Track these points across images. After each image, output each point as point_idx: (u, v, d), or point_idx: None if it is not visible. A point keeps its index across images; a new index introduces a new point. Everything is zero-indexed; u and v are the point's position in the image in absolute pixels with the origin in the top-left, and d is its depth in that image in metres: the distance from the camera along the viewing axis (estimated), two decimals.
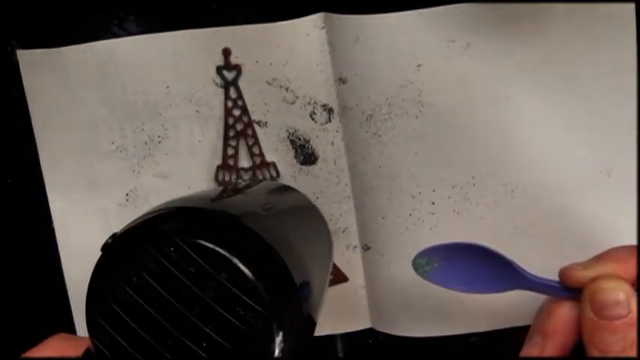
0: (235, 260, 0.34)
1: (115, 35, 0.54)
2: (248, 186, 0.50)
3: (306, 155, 0.55)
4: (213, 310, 0.34)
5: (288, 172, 0.55)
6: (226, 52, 0.54)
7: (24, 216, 0.58)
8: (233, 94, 0.55)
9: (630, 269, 0.46)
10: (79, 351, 0.36)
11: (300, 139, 0.55)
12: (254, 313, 0.34)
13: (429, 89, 0.52)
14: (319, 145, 0.55)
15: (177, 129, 0.55)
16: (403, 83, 0.52)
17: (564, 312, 0.47)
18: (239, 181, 0.56)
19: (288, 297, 0.36)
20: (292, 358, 0.35)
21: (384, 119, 0.53)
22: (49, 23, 0.54)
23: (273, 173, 0.55)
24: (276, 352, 0.34)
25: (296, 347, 0.36)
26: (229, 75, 0.54)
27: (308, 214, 0.48)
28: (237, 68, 0.54)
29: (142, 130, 0.55)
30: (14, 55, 0.54)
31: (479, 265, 0.49)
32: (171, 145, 0.56)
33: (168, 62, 0.54)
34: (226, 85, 0.54)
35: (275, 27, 0.53)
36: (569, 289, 0.47)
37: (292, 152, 0.55)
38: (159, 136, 0.56)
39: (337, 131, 0.54)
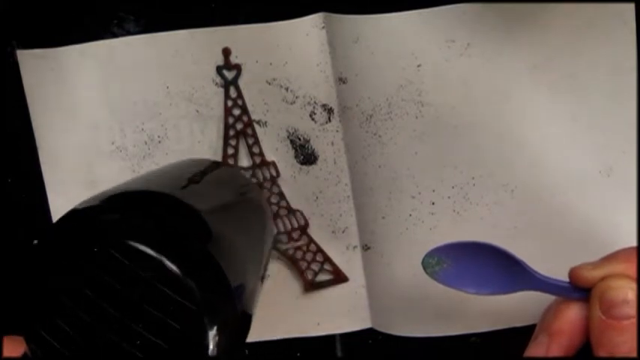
0: (163, 259, 0.34)
1: (115, 35, 0.54)
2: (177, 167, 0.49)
3: (306, 155, 0.55)
4: (145, 310, 0.33)
5: (288, 172, 0.55)
6: (226, 52, 0.54)
7: (24, 216, 0.58)
8: (233, 93, 0.55)
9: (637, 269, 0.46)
10: (19, 352, 0.36)
11: (300, 139, 0.55)
12: (185, 310, 0.33)
13: (429, 89, 0.52)
14: (319, 145, 0.55)
15: (177, 129, 0.55)
16: (403, 83, 0.52)
17: (572, 312, 0.47)
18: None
19: (220, 292, 0.35)
20: (229, 354, 0.35)
21: (384, 119, 0.53)
22: (49, 23, 0.54)
23: (273, 173, 0.55)
24: (211, 349, 0.34)
25: (232, 343, 0.35)
26: (229, 75, 0.54)
27: (241, 196, 0.47)
28: (237, 68, 0.54)
29: (142, 129, 0.56)
30: (14, 55, 0.54)
31: (489, 265, 0.48)
32: (171, 144, 0.56)
33: (168, 62, 0.54)
34: (226, 84, 0.54)
35: (275, 27, 0.53)
36: (578, 289, 0.47)
37: (292, 152, 0.55)
38: (159, 136, 0.56)
39: (337, 131, 0.54)
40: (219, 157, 0.56)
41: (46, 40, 0.54)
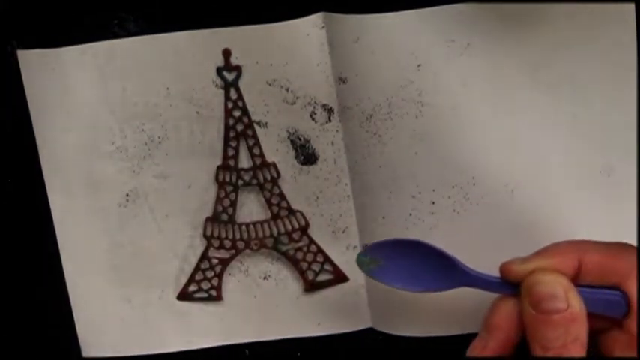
0: None
1: (115, 35, 0.54)
2: None
3: (306, 155, 0.55)
4: None
5: (289, 172, 0.55)
6: (226, 53, 0.54)
7: (24, 216, 0.58)
8: (233, 95, 0.55)
9: (570, 263, 0.46)
10: None
11: (300, 139, 0.55)
12: None
13: (429, 89, 0.52)
14: (319, 145, 0.55)
15: (178, 130, 0.55)
16: (403, 83, 0.52)
17: (508, 307, 0.47)
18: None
19: None
20: None
21: (384, 119, 0.53)
22: (49, 23, 0.54)
23: (274, 174, 0.55)
24: None
25: None
26: (229, 76, 0.54)
27: None
28: (238, 69, 0.54)
29: (142, 130, 0.55)
30: (14, 55, 0.54)
31: (423, 262, 0.48)
32: (171, 145, 0.56)
33: (168, 63, 0.54)
34: (226, 86, 0.54)
35: (275, 27, 0.53)
36: (510, 284, 0.46)
37: (292, 152, 0.55)
38: (159, 137, 0.56)
39: (337, 131, 0.54)
40: (219, 159, 0.56)
41: (46, 40, 0.54)
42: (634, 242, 0.52)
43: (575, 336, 0.43)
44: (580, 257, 0.46)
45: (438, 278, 0.48)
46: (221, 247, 0.57)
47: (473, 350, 0.48)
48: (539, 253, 0.47)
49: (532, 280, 0.45)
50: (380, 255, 0.49)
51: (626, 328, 0.45)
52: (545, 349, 0.43)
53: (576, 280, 0.46)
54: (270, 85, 0.54)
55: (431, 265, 0.48)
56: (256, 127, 0.55)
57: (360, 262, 0.50)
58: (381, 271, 0.49)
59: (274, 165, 0.55)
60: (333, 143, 0.55)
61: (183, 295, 0.58)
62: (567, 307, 0.43)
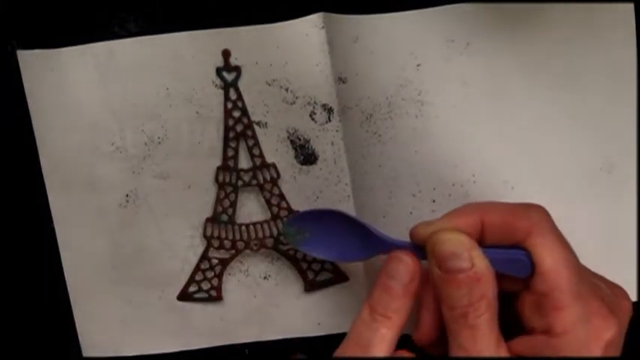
0: None
1: (115, 35, 0.54)
2: None
3: (306, 155, 0.55)
4: None
5: (289, 172, 0.55)
6: (226, 54, 0.54)
7: (24, 216, 0.58)
8: (233, 95, 0.55)
9: (472, 224, 0.45)
10: None
11: (300, 139, 0.55)
12: None
13: (428, 89, 0.52)
14: (319, 145, 0.55)
15: (177, 130, 0.55)
16: (403, 83, 0.52)
17: (425, 275, 0.47)
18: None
19: None
20: None
21: (384, 119, 0.53)
22: (49, 23, 0.54)
23: (274, 174, 0.55)
24: None
25: None
26: (229, 76, 0.54)
27: None
28: (237, 69, 0.54)
29: (142, 130, 0.55)
30: (14, 55, 0.54)
31: (344, 232, 0.49)
32: (171, 146, 0.56)
33: (168, 63, 0.54)
34: (226, 86, 0.54)
35: (275, 27, 0.53)
36: (422, 248, 0.46)
37: (292, 152, 0.55)
38: (159, 137, 0.56)
39: (337, 131, 0.54)
40: (219, 159, 0.56)
41: (46, 40, 0.54)
42: (634, 242, 0.52)
43: (480, 295, 0.43)
44: (482, 218, 0.45)
45: (359, 247, 0.49)
46: (221, 247, 0.57)
47: (414, 329, 0.48)
48: (447, 215, 0.47)
49: (434, 240, 0.45)
50: (305, 226, 0.50)
51: (532, 287, 0.44)
52: (452, 309, 0.43)
53: (481, 241, 0.45)
54: (269, 85, 0.54)
55: (351, 235, 0.49)
56: (256, 128, 0.55)
57: (286, 233, 0.51)
58: (307, 243, 0.51)
59: (274, 165, 0.55)
60: (333, 143, 0.55)
61: (184, 296, 0.58)
62: (472, 266, 0.43)
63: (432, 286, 0.46)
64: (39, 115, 0.55)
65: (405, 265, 0.46)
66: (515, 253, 0.45)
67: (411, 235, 0.47)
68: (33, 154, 0.56)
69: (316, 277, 0.57)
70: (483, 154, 0.53)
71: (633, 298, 0.55)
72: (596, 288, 0.45)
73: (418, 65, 0.52)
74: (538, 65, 0.52)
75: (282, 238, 0.54)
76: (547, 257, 0.43)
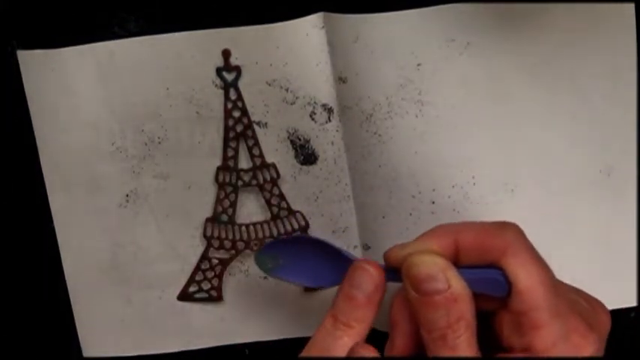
0: None
1: (115, 35, 0.54)
2: None
3: (306, 155, 0.55)
4: None
5: (289, 172, 0.55)
6: (226, 54, 0.54)
7: (24, 216, 0.58)
8: (233, 95, 0.55)
9: (446, 245, 0.45)
10: None
11: (300, 139, 0.55)
12: None
13: (428, 88, 0.52)
14: (319, 145, 0.55)
15: (177, 130, 0.55)
16: (403, 82, 0.52)
17: (401, 299, 0.46)
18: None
19: None
20: None
21: (384, 118, 0.53)
22: (49, 23, 0.54)
23: (274, 174, 0.55)
24: None
25: None
26: (229, 76, 0.54)
27: None
28: (237, 69, 0.54)
29: (142, 131, 0.55)
30: (14, 55, 0.54)
31: (317, 258, 0.49)
32: (171, 146, 0.56)
33: (168, 63, 0.54)
34: (226, 86, 0.54)
35: (275, 27, 0.53)
36: (395, 271, 0.45)
37: (292, 152, 0.55)
38: (159, 137, 0.56)
39: (337, 131, 0.54)
40: (219, 159, 0.56)
41: (46, 41, 0.54)
42: (634, 244, 0.52)
43: (458, 316, 0.42)
44: (456, 238, 0.45)
45: (334, 272, 0.48)
46: (221, 247, 0.57)
47: (386, 352, 0.47)
48: (420, 237, 0.46)
49: (409, 263, 0.44)
50: (279, 253, 0.50)
51: (509, 307, 0.44)
52: (430, 331, 0.42)
53: (456, 262, 0.45)
54: (270, 85, 0.54)
55: (325, 260, 0.48)
56: (256, 128, 0.55)
57: (259, 261, 0.50)
58: (281, 270, 0.50)
59: (274, 165, 0.55)
60: (333, 143, 0.55)
61: (184, 296, 0.58)
62: (448, 287, 0.42)
63: (407, 308, 0.45)
64: (39, 115, 0.55)
65: (368, 275, 0.46)
66: (491, 272, 0.44)
67: (386, 258, 0.46)
68: (33, 154, 0.56)
69: None
70: (483, 155, 0.53)
71: (633, 301, 0.55)
72: (575, 304, 0.45)
73: (418, 65, 0.52)
74: (538, 65, 0.52)
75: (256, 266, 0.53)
76: (523, 276, 0.43)
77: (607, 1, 0.51)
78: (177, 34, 0.54)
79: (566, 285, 0.46)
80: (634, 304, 0.55)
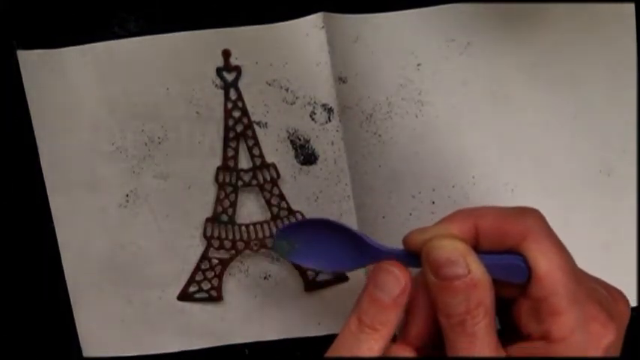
0: None
1: (115, 35, 0.54)
2: None
3: (306, 155, 0.55)
4: None
5: (289, 172, 0.55)
6: (226, 54, 0.54)
7: (24, 216, 0.58)
8: (233, 95, 0.55)
9: (466, 229, 0.44)
10: None
11: (300, 139, 0.55)
12: None
13: (428, 88, 0.52)
14: (319, 145, 0.55)
15: (177, 130, 0.55)
16: (403, 82, 0.52)
17: (417, 282, 0.46)
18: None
19: None
20: None
21: (384, 118, 0.53)
22: (49, 23, 0.54)
23: (274, 174, 0.55)
24: None
25: None
26: (229, 76, 0.54)
27: None
28: (237, 70, 0.54)
29: (142, 131, 0.55)
30: (14, 55, 0.54)
31: (336, 242, 0.48)
32: (171, 146, 0.56)
33: (168, 63, 0.54)
34: (226, 86, 0.54)
35: (275, 27, 0.53)
36: (416, 256, 0.45)
37: (292, 152, 0.55)
38: (159, 137, 0.56)
39: (337, 131, 0.54)
40: (219, 159, 0.56)
41: (46, 40, 0.54)
42: (634, 245, 0.52)
43: (477, 302, 0.42)
44: (476, 223, 0.44)
45: (351, 257, 0.47)
46: (221, 247, 0.57)
47: (399, 337, 0.47)
48: (440, 221, 0.46)
49: (429, 247, 0.43)
50: (295, 238, 0.49)
51: (528, 293, 0.43)
52: (449, 317, 0.42)
53: (476, 247, 0.44)
54: (270, 85, 0.54)
55: (343, 244, 0.48)
56: (256, 128, 0.55)
57: (276, 246, 0.49)
58: (298, 254, 0.49)
59: (274, 165, 0.55)
60: (333, 143, 0.55)
61: (184, 296, 0.58)
62: (468, 272, 0.42)
63: (425, 293, 0.45)
64: (39, 115, 0.55)
65: (394, 277, 0.45)
66: (512, 258, 0.44)
67: (405, 242, 0.46)
68: (33, 154, 0.56)
69: (316, 277, 0.57)
70: (483, 155, 0.53)
71: (633, 301, 0.55)
72: (594, 292, 0.44)
73: (418, 65, 0.52)
74: (538, 65, 0.52)
75: (272, 251, 0.53)
76: (543, 262, 0.42)
77: (607, 1, 0.51)
78: (177, 34, 0.54)
79: (586, 273, 0.46)
80: (634, 304, 0.55)
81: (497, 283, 0.43)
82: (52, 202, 0.57)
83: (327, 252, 0.48)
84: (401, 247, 0.46)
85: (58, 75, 0.54)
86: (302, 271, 0.57)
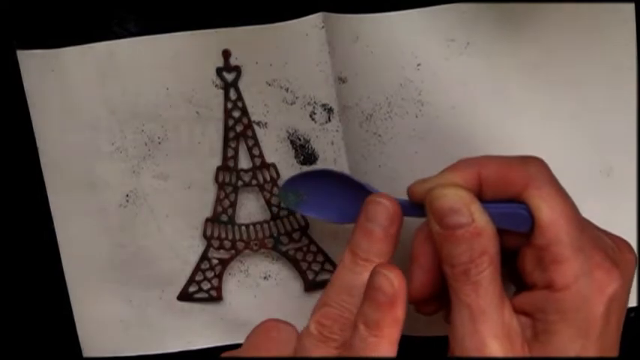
0: None
1: (115, 35, 0.54)
2: None
3: (306, 155, 0.55)
4: None
5: (289, 172, 0.55)
6: (226, 54, 0.54)
7: (24, 216, 0.58)
8: (233, 95, 0.55)
9: (469, 178, 0.44)
10: None
11: (300, 140, 0.55)
12: None
13: (428, 88, 0.52)
14: (319, 145, 0.55)
15: (177, 130, 0.55)
16: (403, 82, 0.52)
17: (423, 233, 0.46)
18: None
19: None
20: None
21: (384, 118, 0.53)
22: (49, 23, 0.54)
23: (274, 174, 0.55)
24: None
25: None
26: (229, 76, 0.54)
27: None
28: (237, 70, 0.54)
29: (142, 131, 0.55)
30: (14, 55, 0.54)
31: (341, 192, 0.49)
32: (171, 146, 0.56)
33: (167, 63, 0.54)
34: (226, 86, 0.54)
35: (275, 27, 0.53)
36: (420, 206, 0.45)
37: (292, 152, 0.55)
38: (159, 137, 0.56)
39: (337, 131, 0.54)
40: (218, 159, 0.56)
41: (46, 41, 0.54)
42: (634, 242, 0.52)
43: (481, 251, 0.41)
44: (479, 171, 0.45)
45: (357, 208, 0.47)
46: (221, 247, 0.57)
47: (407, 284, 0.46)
48: (443, 171, 0.46)
49: (432, 196, 0.43)
50: (301, 189, 0.50)
51: (531, 242, 0.43)
52: (453, 266, 0.42)
53: (480, 196, 0.44)
54: (269, 85, 0.54)
55: (349, 195, 0.48)
56: (256, 128, 0.55)
57: (282, 197, 0.50)
58: (305, 205, 0.50)
59: (274, 165, 0.55)
60: (333, 143, 0.55)
61: (184, 296, 0.58)
62: (472, 221, 0.42)
63: (429, 243, 0.45)
64: (39, 115, 0.55)
65: (383, 208, 0.45)
66: (515, 206, 0.44)
67: (409, 192, 0.46)
68: (33, 154, 0.56)
69: (316, 277, 0.57)
70: (483, 155, 0.53)
71: (633, 300, 0.55)
72: (599, 240, 0.44)
73: (418, 65, 0.52)
74: (538, 65, 0.52)
75: (280, 203, 0.53)
76: (545, 209, 0.42)
77: (607, 1, 0.51)
78: (177, 34, 0.54)
79: (590, 222, 0.46)
80: (634, 304, 0.55)
81: (501, 233, 0.43)
82: (51, 202, 0.57)
83: (334, 203, 0.49)
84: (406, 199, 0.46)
85: (58, 75, 0.54)
86: (302, 271, 0.57)
